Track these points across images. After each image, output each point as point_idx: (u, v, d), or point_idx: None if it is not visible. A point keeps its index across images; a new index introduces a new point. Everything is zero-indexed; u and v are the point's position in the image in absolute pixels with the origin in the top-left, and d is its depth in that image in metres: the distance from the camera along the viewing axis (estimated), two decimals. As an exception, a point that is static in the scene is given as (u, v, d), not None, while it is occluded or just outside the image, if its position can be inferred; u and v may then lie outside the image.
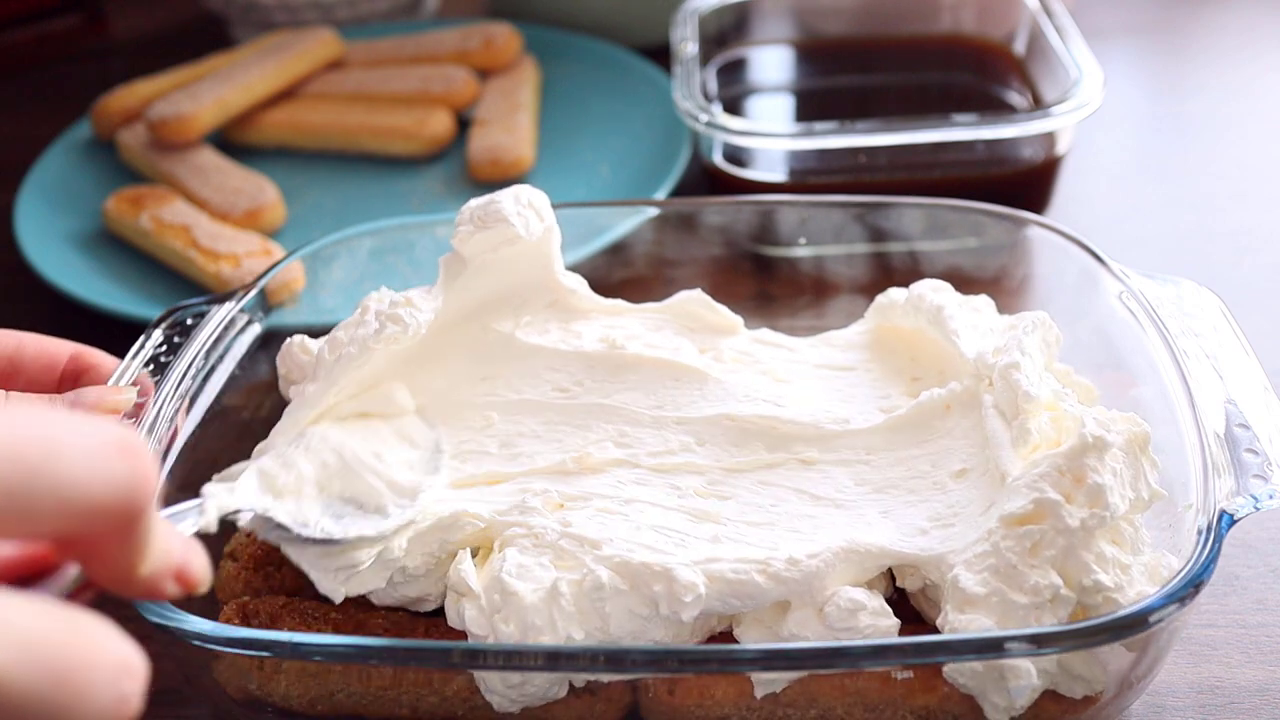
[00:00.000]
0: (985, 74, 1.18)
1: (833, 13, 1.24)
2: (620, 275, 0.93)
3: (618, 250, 0.93)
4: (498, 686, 0.60)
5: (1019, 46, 1.17)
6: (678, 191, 1.07)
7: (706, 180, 1.07)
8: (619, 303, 0.81)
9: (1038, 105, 1.09)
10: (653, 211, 0.92)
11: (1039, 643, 0.54)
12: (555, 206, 0.78)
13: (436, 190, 1.15)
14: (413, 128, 1.17)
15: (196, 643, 0.57)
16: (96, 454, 0.39)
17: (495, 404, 0.74)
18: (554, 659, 0.56)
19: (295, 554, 0.62)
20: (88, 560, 0.43)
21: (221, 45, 1.37)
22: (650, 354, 0.76)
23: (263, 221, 1.07)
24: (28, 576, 0.43)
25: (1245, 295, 0.88)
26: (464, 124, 1.20)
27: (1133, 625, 0.54)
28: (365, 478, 0.66)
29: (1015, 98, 1.14)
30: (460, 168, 1.17)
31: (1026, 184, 1.03)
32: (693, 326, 0.79)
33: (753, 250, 0.95)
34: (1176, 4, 1.43)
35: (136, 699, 0.39)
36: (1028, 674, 0.57)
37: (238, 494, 0.59)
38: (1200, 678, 0.68)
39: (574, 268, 0.91)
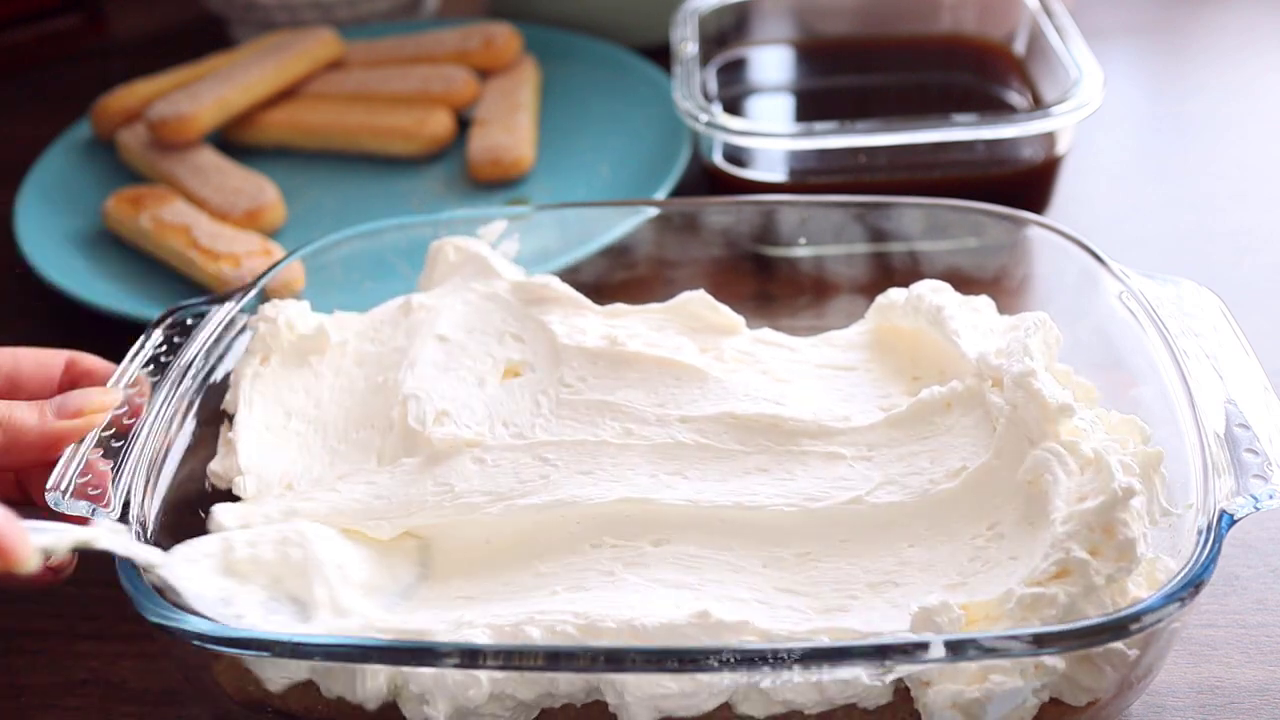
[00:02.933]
0: (985, 74, 1.18)
1: (833, 13, 1.24)
2: (620, 276, 0.93)
3: (617, 251, 0.93)
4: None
5: (1019, 46, 1.17)
6: (678, 191, 1.07)
7: (706, 180, 1.07)
8: (585, 303, 0.81)
9: (1038, 105, 1.09)
10: (653, 211, 0.91)
11: (1040, 643, 0.53)
12: (555, 207, 0.78)
13: (436, 190, 1.14)
14: (413, 128, 1.17)
15: (196, 643, 0.57)
16: None
17: None
18: (554, 659, 0.56)
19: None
20: None
21: (221, 45, 1.37)
22: (651, 352, 0.76)
23: (263, 221, 1.07)
24: None
25: (1245, 295, 0.88)
26: (464, 124, 1.20)
27: (1133, 626, 0.54)
28: (314, 586, 0.63)
29: (1015, 98, 1.14)
30: (460, 168, 1.17)
31: (1026, 184, 1.03)
32: (695, 326, 0.79)
33: (753, 250, 0.95)
34: (1176, 4, 1.43)
35: None
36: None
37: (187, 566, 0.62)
38: (1200, 678, 0.68)
39: (574, 268, 0.91)
